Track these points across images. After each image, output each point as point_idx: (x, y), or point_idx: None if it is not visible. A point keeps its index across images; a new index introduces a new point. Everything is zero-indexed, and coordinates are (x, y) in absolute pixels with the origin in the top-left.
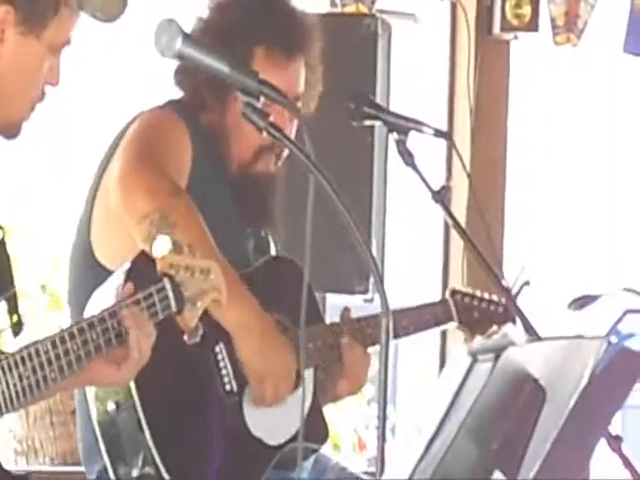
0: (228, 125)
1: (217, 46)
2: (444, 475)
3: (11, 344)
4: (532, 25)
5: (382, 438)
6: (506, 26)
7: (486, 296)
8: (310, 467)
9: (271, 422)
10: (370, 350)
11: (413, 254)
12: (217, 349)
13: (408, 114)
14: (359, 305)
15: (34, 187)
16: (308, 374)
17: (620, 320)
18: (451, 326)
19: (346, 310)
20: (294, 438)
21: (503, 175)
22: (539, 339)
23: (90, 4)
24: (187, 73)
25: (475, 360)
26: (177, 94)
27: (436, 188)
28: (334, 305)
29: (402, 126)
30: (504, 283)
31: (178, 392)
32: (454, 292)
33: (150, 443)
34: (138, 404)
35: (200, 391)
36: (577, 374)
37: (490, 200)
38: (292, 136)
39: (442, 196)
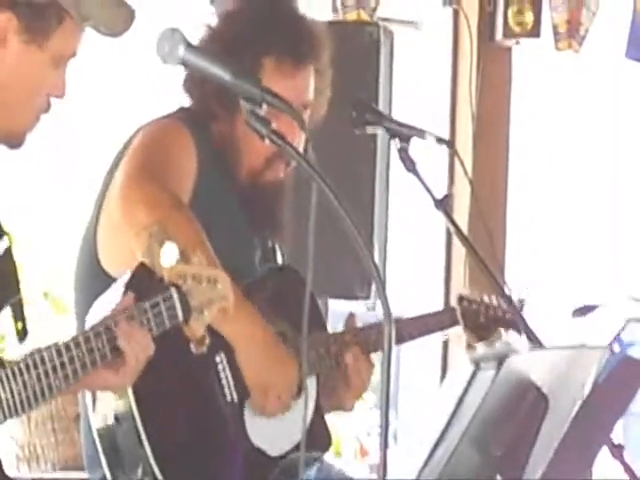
0: (238, 134)
1: (225, 55)
2: None
3: (13, 351)
4: (534, 31)
5: (384, 445)
6: (508, 33)
7: (494, 302)
8: (313, 475)
9: (273, 432)
10: (372, 356)
11: (415, 260)
12: (218, 359)
13: (411, 121)
14: (362, 312)
15: (38, 196)
16: (311, 382)
17: (622, 329)
18: (456, 330)
19: (351, 316)
20: (296, 447)
21: (505, 181)
22: (542, 347)
23: (95, 18)
24: (195, 82)
25: (478, 368)
26: (185, 103)
27: (438, 195)
28: (337, 313)
29: (404, 133)
30: (506, 290)
31: (178, 403)
32: (461, 298)
33: (150, 456)
34: (138, 418)
35: (200, 401)
36: (580, 382)
37: (492, 207)
38: (302, 145)
39: (445, 204)
